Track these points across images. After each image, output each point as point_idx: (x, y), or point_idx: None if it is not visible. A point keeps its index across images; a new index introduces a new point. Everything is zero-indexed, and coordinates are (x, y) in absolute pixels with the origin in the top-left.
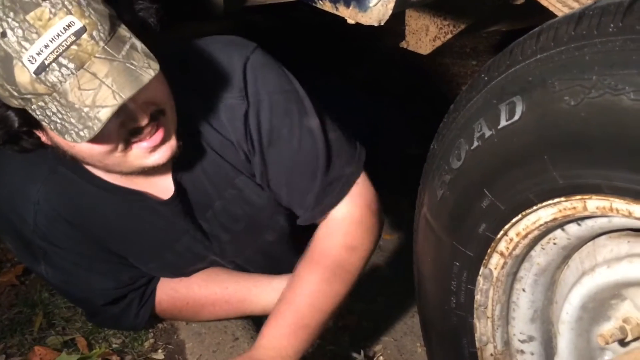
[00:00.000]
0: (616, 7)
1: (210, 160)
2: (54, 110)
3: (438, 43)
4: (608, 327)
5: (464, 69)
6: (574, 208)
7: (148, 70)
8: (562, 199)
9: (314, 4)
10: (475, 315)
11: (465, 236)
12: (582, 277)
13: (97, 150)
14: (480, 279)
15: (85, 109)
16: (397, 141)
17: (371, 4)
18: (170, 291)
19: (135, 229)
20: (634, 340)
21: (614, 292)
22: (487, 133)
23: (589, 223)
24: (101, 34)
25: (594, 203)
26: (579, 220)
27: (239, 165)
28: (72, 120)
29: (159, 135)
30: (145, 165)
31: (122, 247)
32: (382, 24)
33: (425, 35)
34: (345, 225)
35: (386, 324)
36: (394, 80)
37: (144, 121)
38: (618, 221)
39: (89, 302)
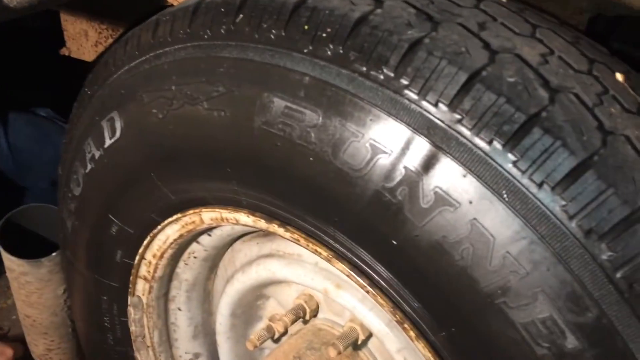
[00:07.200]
0: (183, 12)
1: None
2: None
3: (101, 48)
4: (258, 329)
5: None
6: (193, 222)
7: None
8: (179, 214)
9: None
10: (135, 348)
11: (104, 267)
12: (225, 286)
13: None
14: (130, 309)
15: None
16: None
17: None
18: None
19: None
20: (283, 334)
21: (257, 294)
22: (97, 154)
23: (217, 232)
24: None
25: (208, 215)
26: (208, 231)
27: None
28: None
29: None
30: None
31: None
32: None
33: (86, 40)
34: None
35: None
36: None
37: None
38: (241, 227)
39: None
